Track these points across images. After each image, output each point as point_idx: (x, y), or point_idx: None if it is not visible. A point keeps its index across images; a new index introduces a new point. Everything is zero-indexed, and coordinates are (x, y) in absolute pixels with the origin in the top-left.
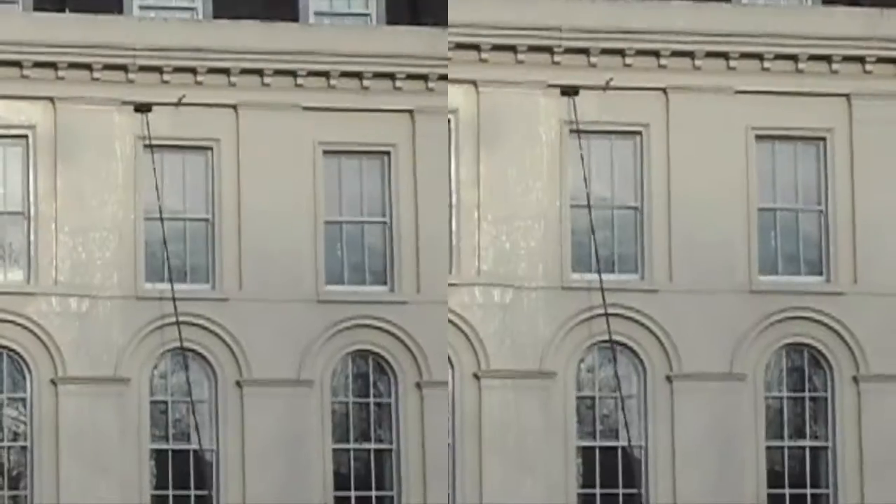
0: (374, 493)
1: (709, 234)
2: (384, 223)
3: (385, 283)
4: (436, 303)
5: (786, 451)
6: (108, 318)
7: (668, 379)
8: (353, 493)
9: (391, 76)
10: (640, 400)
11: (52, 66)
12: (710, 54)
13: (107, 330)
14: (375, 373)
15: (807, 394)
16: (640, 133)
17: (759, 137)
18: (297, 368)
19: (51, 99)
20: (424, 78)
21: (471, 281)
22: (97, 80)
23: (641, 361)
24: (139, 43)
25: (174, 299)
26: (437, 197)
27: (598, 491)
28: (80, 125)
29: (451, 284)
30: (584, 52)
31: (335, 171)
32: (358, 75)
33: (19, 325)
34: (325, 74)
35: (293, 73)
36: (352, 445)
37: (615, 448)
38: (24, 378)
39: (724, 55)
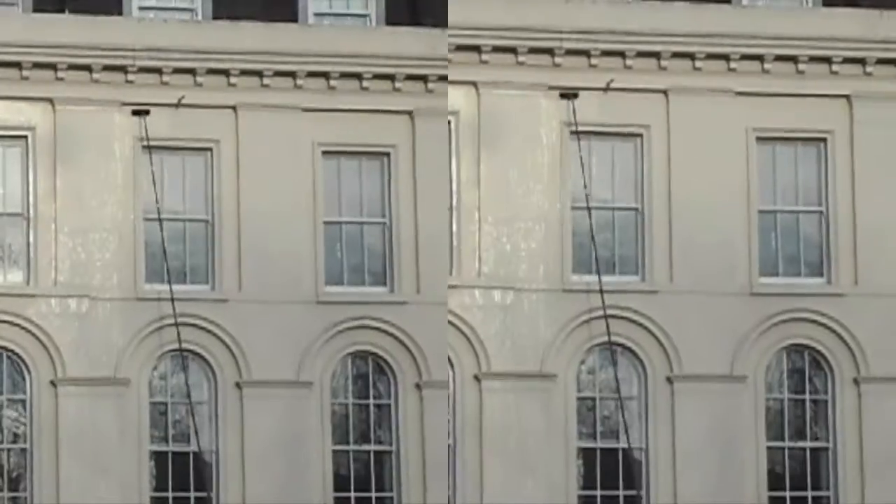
0: (373, 495)
1: (709, 235)
2: (384, 224)
3: (385, 284)
4: (435, 304)
5: (786, 453)
6: (108, 320)
7: (669, 380)
8: (352, 495)
9: (391, 77)
10: (641, 401)
11: (52, 67)
12: (710, 56)
13: (106, 331)
14: (375, 374)
15: (807, 395)
16: (640, 135)
17: (759, 139)
18: (296, 369)
19: (50, 100)
20: (424, 79)
21: (471, 282)
22: (97, 81)
23: (642, 363)
24: (139, 44)
25: (172, 300)
26: (436, 197)
27: (598, 492)
28: (80, 126)
29: (451, 286)
30: (585, 53)
31: (335, 172)
32: (357, 76)
33: (19, 326)
34: (325, 75)
35: (293, 74)
36: (351, 447)
37: (616, 449)
38: (23, 379)
39: (725, 57)
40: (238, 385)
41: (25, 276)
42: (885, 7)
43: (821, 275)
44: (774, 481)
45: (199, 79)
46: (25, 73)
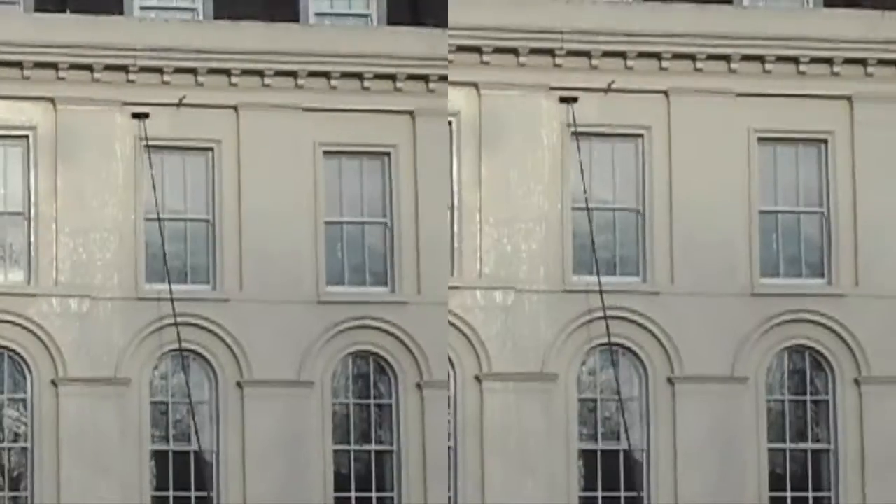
0: (374, 495)
1: (710, 236)
2: (384, 224)
3: (385, 283)
4: (436, 304)
5: (787, 454)
6: (109, 319)
7: (670, 381)
8: (353, 495)
9: (392, 77)
10: (642, 402)
11: (53, 66)
12: (711, 57)
13: (107, 331)
14: (376, 374)
15: (808, 396)
16: (641, 136)
17: (760, 140)
18: (297, 369)
19: (51, 99)
20: (425, 79)
21: (472, 283)
22: (98, 80)
23: (643, 364)
24: (140, 44)
25: (172, 300)
26: (437, 197)
27: (599, 494)
28: (81, 126)
29: (452, 287)
30: (586, 54)
31: (336, 171)
32: (358, 76)
33: (20, 325)
34: (326, 75)
35: (294, 74)
36: (352, 446)
37: (617, 451)
38: (24, 379)
39: (726, 58)
40: (239, 385)
41: (26, 275)
42: (887, 8)
43: (822, 275)
44: (775, 482)
45: (200, 78)
46: (27, 72)
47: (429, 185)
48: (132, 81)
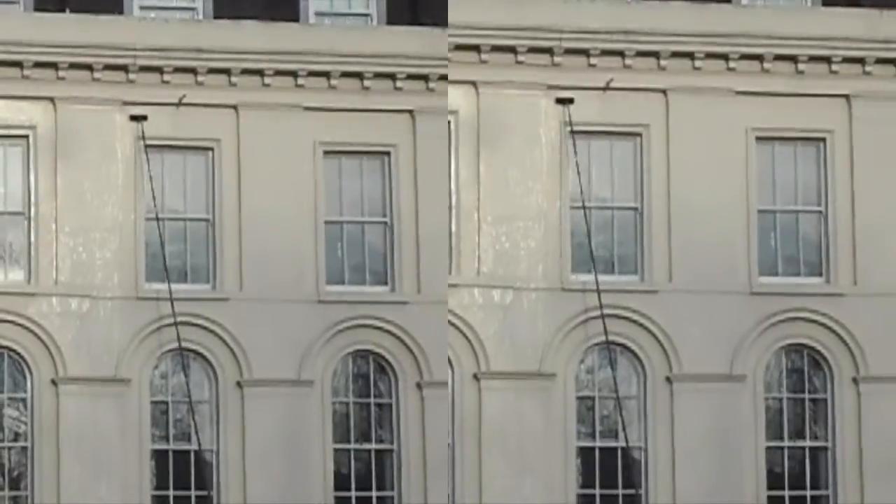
0: (374, 494)
1: (709, 235)
2: (384, 223)
3: (385, 283)
4: (436, 303)
5: (785, 452)
6: (109, 319)
7: (668, 380)
8: (353, 494)
9: (391, 76)
10: (640, 401)
11: (53, 66)
12: (709, 55)
13: (107, 330)
14: (376, 373)
15: (806, 395)
16: (640, 134)
17: (758, 138)
18: (297, 369)
19: (51, 99)
20: (425, 78)
21: (471, 282)
22: (98, 80)
23: (641, 362)
24: (140, 43)
25: (171, 299)
26: (437, 197)
27: (597, 492)
28: (81, 125)
29: (450, 285)
30: (584, 53)
31: (335, 171)
32: (358, 75)
33: (20, 325)
34: (326, 75)
35: (294, 74)
36: (352, 446)
37: (615, 449)
38: (24, 378)
39: (724, 56)
40: (239, 384)
41: (26, 275)
42: (885, 6)
43: (820, 274)
44: (773, 480)
45: (200, 78)
46: (27, 72)
47: (429, 184)
48: (132, 81)
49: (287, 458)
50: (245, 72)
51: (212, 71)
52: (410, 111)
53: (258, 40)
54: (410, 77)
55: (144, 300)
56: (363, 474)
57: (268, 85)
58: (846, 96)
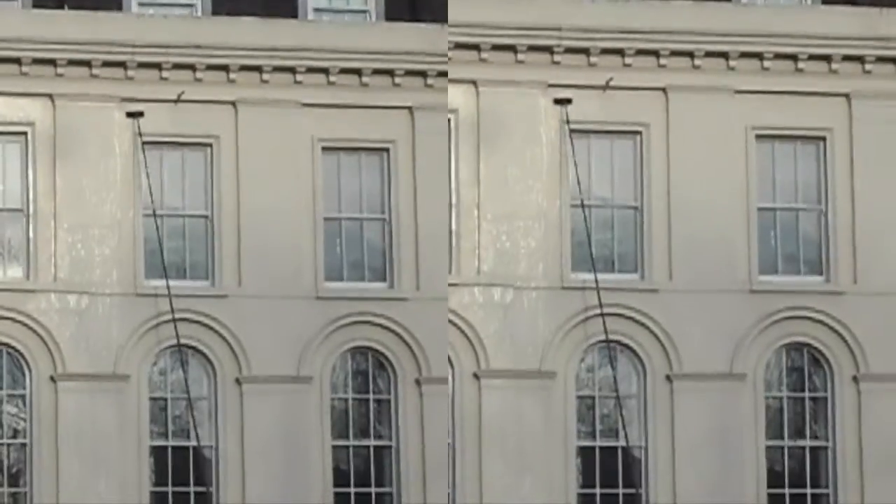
0: (373, 490)
1: (709, 233)
2: (383, 220)
3: (384, 279)
4: (435, 299)
5: (786, 451)
6: (108, 315)
7: (668, 378)
8: (352, 490)
9: (390, 73)
10: (640, 400)
11: (51, 62)
12: (709, 54)
13: (106, 327)
14: (375, 369)
15: (807, 393)
16: (639, 133)
17: (758, 137)
18: (296, 365)
19: (50, 96)
20: (424, 74)
21: (471, 281)
22: (96, 76)
23: (641, 361)
24: (138, 40)
25: (170, 296)
26: (436, 193)
27: (597, 491)
28: (79, 122)
29: (451, 284)
30: (584, 51)
31: (334, 167)
32: (357, 72)
33: (19, 321)
34: (325, 71)
35: (292, 70)
36: (351, 442)
37: (615, 448)
38: (23, 375)
39: (724, 55)
40: (238, 381)
41: (25, 271)
42: (885, 5)
43: (820, 273)
44: (774, 479)
45: (198, 74)
46: (25, 68)
47: (428, 180)
48: (130, 77)
49: (286, 454)
50: (243, 68)
51: (210, 67)
52: (409, 108)
53: (257, 37)
54: (409, 73)
55: (143, 297)
56: (362, 471)
57: (266, 81)
58: (846, 95)
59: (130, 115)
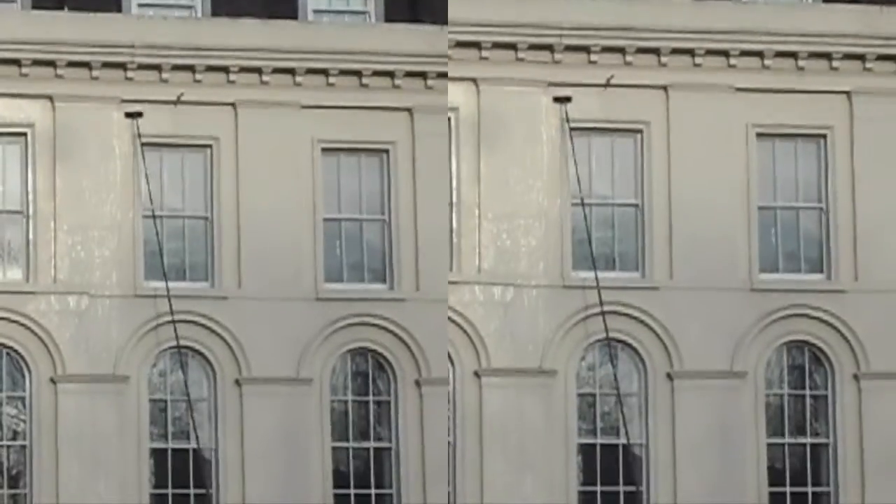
0: (373, 492)
1: (709, 231)
2: (383, 221)
3: (384, 280)
4: (435, 301)
5: (787, 449)
6: (107, 317)
7: (669, 376)
8: (352, 491)
9: (390, 74)
10: (641, 397)
11: (51, 64)
12: (710, 52)
13: (106, 328)
14: (375, 371)
15: (808, 391)
16: (640, 131)
17: (759, 135)
18: (296, 366)
19: (49, 97)
20: (423, 76)
21: (471, 279)
22: (96, 78)
23: (642, 359)
24: (138, 41)
25: (169, 297)
26: (435, 194)
27: (598, 489)
28: (79, 123)
29: (451, 282)
30: (585, 50)
31: (334, 168)
32: (357, 73)
33: (18, 323)
34: (324, 72)
35: (292, 71)
36: (351, 444)
37: (616, 446)
38: (23, 376)
39: (725, 53)
40: (238, 382)
41: (25, 273)
42: (885, 3)
43: (821, 271)
44: (774, 477)
45: (198, 76)
46: (25, 70)
47: (428, 181)
48: (130, 79)
49: (286, 456)
50: (243, 69)
51: (210, 69)
52: (409, 109)
53: (256, 38)
54: (409, 75)
55: (143, 298)
56: (362, 472)
57: (266, 82)
58: (847, 93)
59: (129, 115)
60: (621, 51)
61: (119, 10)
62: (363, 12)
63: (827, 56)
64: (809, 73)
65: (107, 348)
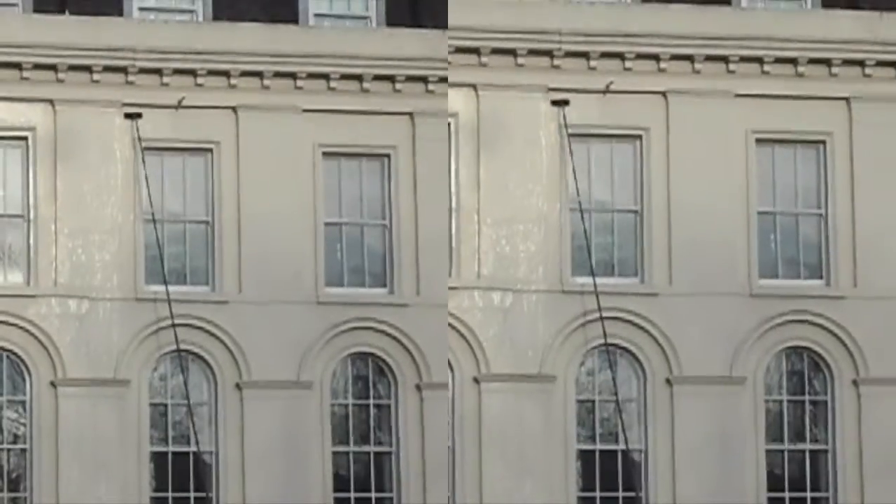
0: (373, 496)
1: (709, 237)
2: (384, 225)
3: (385, 285)
4: (435, 305)
5: (786, 455)
6: (108, 320)
7: (668, 382)
8: (352, 496)
9: (391, 78)
10: (640, 403)
11: (52, 68)
12: (709, 58)
13: (106, 332)
14: (375, 375)
15: (807, 397)
16: (640, 137)
17: (758, 141)
18: (296, 370)
19: (51, 101)
20: (424, 80)
21: (471, 284)
22: (97, 82)
23: (641, 365)
24: (139, 45)
25: (169, 301)
26: (436, 199)
27: (597, 494)
28: (80, 127)
29: (451, 288)
30: (584, 55)
31: (335, 173)
32: (358, 77)
33: (19, 327)
34: (325, 77)
35: (293, 76)
36: (351, 448)
37: (615, 451)
38: (23, 380)
39: (724, 59)
40: (238, 386)
41: (25, 276)
42: (885, 9)
43: (820, 277)
44: (774, 483)
45: (199, 80)
46: (26, 73)
47: (428, 186)
48: (131, 83)
49: (286, 460)
50: (244, 74)
51: (211, 73)
52: (410, 114)
53: (257, 42)
54: (410, 79)
55: (143, 302)
56: (362, 476)
57: (267, 87)
58: (846, 99)
59: (128, 116)
60: (621, 57)
61: (120, 13)
62: (364, 17)
63: (826, 62)
64: (809, 79)
65: (107, 352)
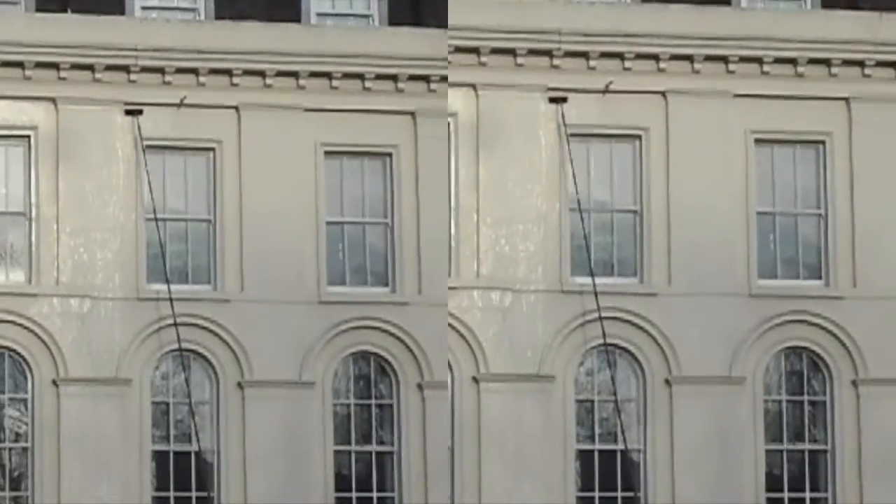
0: (375, 495)
1: (708, 237)
2: (386, 224)
3: (386, 284)
4: (437, 304)
5: (785, 455)
6: (110, 319)
7: (668, 382)
8: (354, 495)
9: (393, 77)
10: (640, 403)
11: (55, 66)
12: (709, 58)
13: (108, 331)
14: (377, 374)
15: (806, 397)
16: (639, 137)
17: (758, 141)
18: (298, 370)
19: (53, 100)
20: (426, 79)
21: (470, 284)
22: (99, 80)
23: (640, 365)
24: (141, 44)
25: (171, 300)
26: (438, 198)
27: (596, 494)
28: (82, 126)
29: (450, 288)
30: (584, 55)
31: (337, 172)
32: (360, 76)
33: (21, 325)
34: (328, 76)
35: (295, 75)
36: (353, 447)
37: (614, 451)
38: (25, 379)
39: (724, 59)
40: (240, 385)
41: (27, 275)
42: (884, 9)
43: (819, 277)
44: (773, 483)
45: (201, 79)
46: (28, 72)
47: (430, 185)
48: (133, 81)
49: (288, 459)
50: (246, 72)
51: (213, 72)
52: (412, 112)
53: (259, 41)
54: (412, 78)
55: (145, 301)
56: (364, 476)
57: (269, 86)
58: (846, 99)
59: (129, 112)
60: (620, 56)
61: (122, 12)
62: (366, 15)
63: (826, 62)
64: (808, 79)
65: (109, 351)
